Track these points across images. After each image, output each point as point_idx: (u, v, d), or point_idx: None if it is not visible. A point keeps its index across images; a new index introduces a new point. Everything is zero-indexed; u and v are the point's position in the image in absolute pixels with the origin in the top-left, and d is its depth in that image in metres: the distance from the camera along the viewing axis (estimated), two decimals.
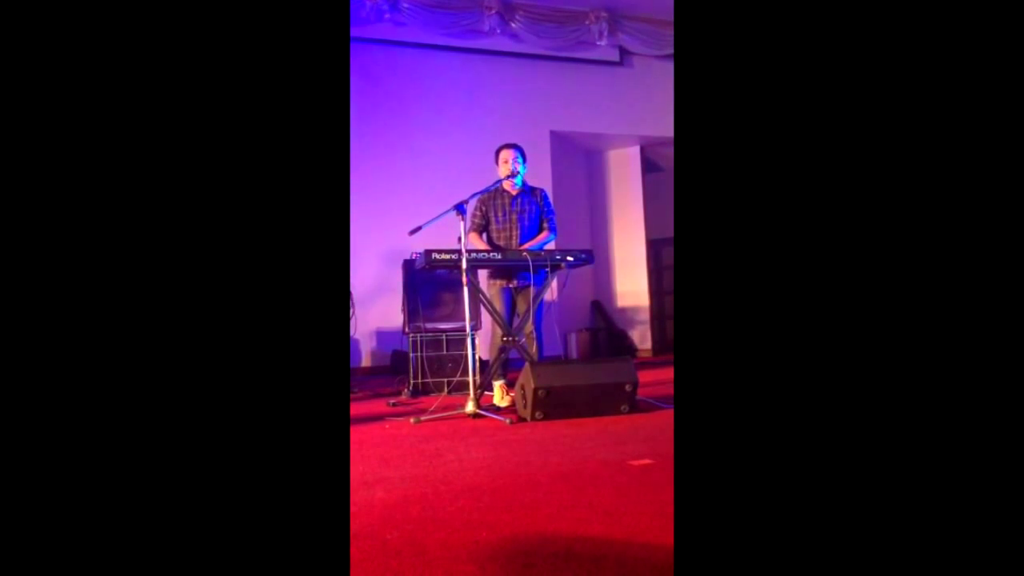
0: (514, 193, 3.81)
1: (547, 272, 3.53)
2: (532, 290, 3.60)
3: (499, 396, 3.66)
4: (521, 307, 3.74)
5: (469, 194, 3.62)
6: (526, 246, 3.72)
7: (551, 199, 4.03)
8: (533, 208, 3.83)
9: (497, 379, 3.68)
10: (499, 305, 3.68)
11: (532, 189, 3.89)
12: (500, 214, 3.79)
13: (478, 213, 3.80)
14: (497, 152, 3.85)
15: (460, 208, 3.35)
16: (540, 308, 3.68)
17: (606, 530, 1.43)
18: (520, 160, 3.79)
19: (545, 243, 3.83)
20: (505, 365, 3.72)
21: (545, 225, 3.87)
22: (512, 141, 3.91)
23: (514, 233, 3.78)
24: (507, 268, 3.65)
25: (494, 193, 3.80)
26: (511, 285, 3.75)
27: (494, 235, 3.81)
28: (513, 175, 3.74)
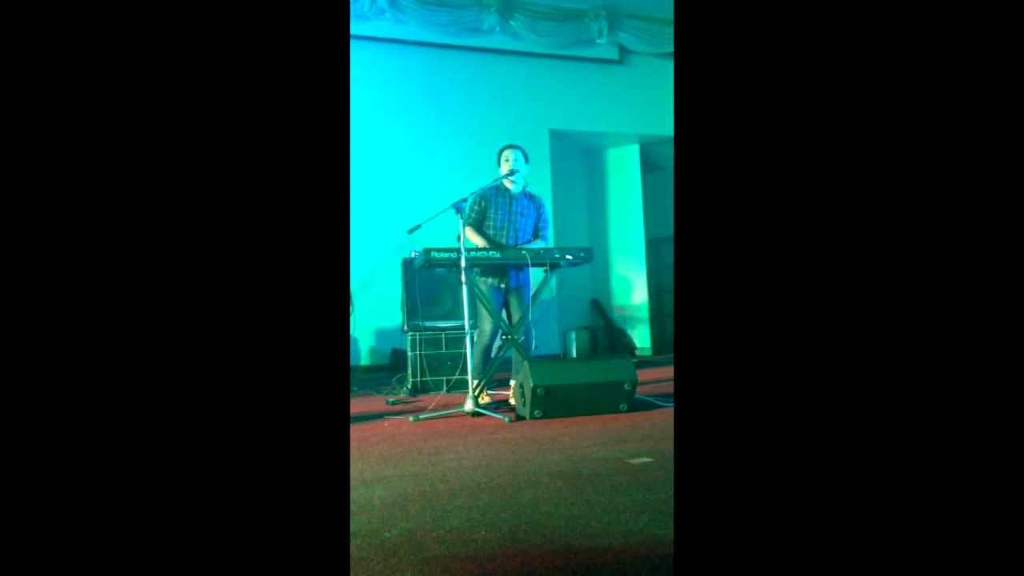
0: (516, 194, 3.80)
1: (544, 272, 3.56)
2: (523, 290, 3.68)
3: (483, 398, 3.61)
4: (513, 306, 3.72)
5: (468, 193, 3.62)
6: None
7: (548, 206, 4.04)
8: (531, 214, 3.84)
9: (482, 381, 3.58)
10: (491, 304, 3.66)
11: (532, 196, 3.89)
12: (500, 212, 3.76)
13: (476, 207, 3.75)
14: (500, 152, 3.85)
15: (459, 206, 3.35)
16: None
17: (604, 528, 1.44)
18: (521, 160, 3.78)
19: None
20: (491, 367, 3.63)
21: (540, 234, 3.86)
22: (513, 142, 3.92)
23: (511, 234, 3.77)
24: (500, 267, 3.64)
25: (496, 190, 3.79)
26: (502, 285, 3.73)
27: (490, 233, 3.77)
28: (513, 172, 3.73)
